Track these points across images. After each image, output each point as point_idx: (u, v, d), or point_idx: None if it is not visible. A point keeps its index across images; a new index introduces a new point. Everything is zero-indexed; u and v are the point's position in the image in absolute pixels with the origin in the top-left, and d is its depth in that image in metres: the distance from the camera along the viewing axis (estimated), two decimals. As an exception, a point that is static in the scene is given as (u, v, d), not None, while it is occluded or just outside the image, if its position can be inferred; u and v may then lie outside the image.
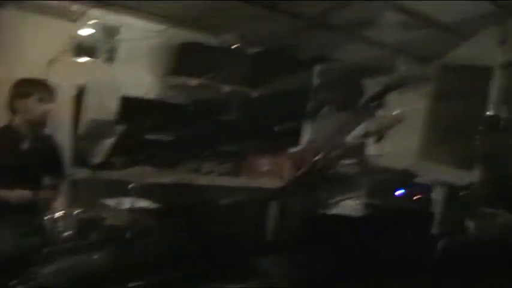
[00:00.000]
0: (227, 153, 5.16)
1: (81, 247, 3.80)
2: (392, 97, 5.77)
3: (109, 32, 4.60)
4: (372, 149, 3.61)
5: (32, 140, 3.69)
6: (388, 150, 3.88)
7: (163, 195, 4.75)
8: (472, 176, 5.22)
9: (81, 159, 4.46)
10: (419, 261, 5.55)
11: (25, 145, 3.68)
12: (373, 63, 6.21)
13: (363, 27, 5.69)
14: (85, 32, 4.43)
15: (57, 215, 3.43)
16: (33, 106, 3.65)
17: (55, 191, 3.76)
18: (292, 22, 5.34)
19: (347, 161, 3.74)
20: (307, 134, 5.23)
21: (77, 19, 4.32)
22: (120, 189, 4.25)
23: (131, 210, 4.12)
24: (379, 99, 3.52)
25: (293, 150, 5.57)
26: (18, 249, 3.26)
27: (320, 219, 3.73)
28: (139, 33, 4.83)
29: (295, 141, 5.63)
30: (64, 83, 4.25)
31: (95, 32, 4.48)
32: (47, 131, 3.89)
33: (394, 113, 3.54)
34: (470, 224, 5.11)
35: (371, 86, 4.54)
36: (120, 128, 4.53)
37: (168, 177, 4.72)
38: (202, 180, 4.96)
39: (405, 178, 6.17)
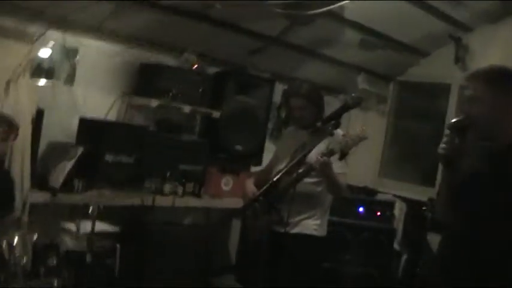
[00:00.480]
0: (189, 173, 5.14)
1: (40, 272, 3.75)
2: (354, 115, 5.86)
3: (68, 53, 4.56)
4: (334, 167, 3.65)
5: None
6: (349, 168, 3.91)
7: (124, 217, 4.71)
8: (432, 192, 5.29)
9: (40, 182, 4.40)
10: (381, 277, 5.62)
11: None
12: (333, 81, 6.29)
13: (323, 46, 5.76)
14: (43, 53, 4.38)
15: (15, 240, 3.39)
16: None
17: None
18: (252, 41, 5.39)
19: (309, 180, 3.76)
20: (268, 153, 5.25)
21: (35, 41, 4.27)
22: (79, 212, 4.21)
23: (91, 234, 4.08)
24: (338, 117, 3.54)
25: (255, 169, 5.59)
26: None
27: (281, 238, 3.73)
28: (99, 54, 4.82)
29: (257, 160, 5.66)
30: (23, 105, 4.21)
31: (53, 54, 4.44)
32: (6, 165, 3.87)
33: (358, 131, 3.57)
34: (432, 240, 5.19)
35: (331, 104, 4.59)
36: (80, 150, 4.49)
37: (129, 199, 4.68)
38: (164, 201, 4.93)
39: (366, 195, 6.25)
